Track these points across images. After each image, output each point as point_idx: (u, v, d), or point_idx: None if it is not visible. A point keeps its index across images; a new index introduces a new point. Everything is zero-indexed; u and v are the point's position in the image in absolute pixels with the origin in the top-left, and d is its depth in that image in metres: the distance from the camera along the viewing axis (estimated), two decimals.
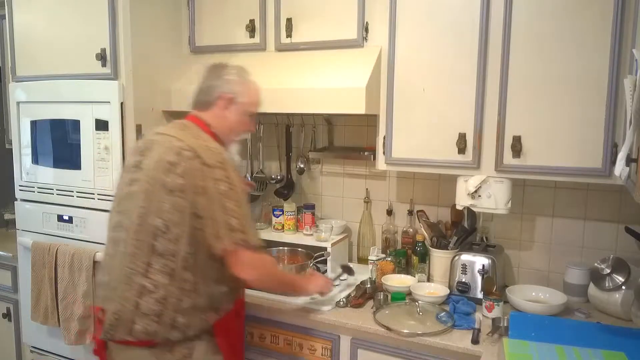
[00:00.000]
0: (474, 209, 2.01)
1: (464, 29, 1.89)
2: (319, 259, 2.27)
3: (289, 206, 2.45)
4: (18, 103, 2.48)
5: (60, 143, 2.37)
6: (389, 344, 1.82)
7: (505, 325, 1.75)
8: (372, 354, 1.86)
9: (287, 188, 2.59)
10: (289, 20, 2.24)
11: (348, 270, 2.14)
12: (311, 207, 2.47)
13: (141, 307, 1.54)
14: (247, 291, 1.87)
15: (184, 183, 1.52)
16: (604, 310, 1.91)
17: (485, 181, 1.92)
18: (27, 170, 2.50)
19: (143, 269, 1.54)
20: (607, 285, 1.84)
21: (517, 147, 1.84)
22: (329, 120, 2.54)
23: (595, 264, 1.89)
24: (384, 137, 2.08)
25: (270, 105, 1.95)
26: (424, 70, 1.97)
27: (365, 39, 2.11)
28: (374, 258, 2.24)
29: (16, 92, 2.48)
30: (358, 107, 1.97)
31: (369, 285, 2.08)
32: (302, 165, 2.59)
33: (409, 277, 2.19)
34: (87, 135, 2.26)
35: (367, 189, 2.51)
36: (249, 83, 1.76)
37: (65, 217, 2.37)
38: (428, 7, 1.95)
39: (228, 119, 1.72)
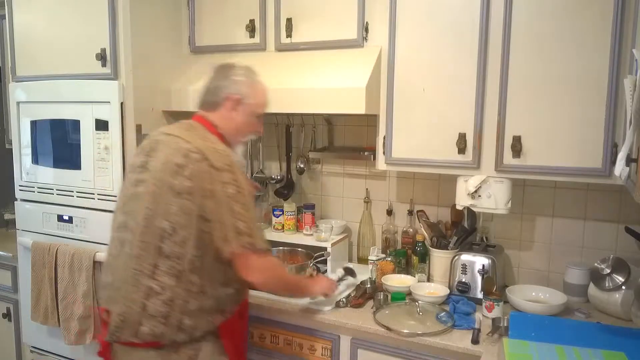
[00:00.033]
0: (474, 209, 2.01)
1: (464, 29, 1.89)
2: (319, 259, 2.26)
3: (289, 206, 2.45)
4: (18, 103, 2.48)
5: (60, 143, 2.37)
6: (389, 344, 1.82)
7: (505, 325, 1.75)
8: (372, 354, 1.86)
9: (287, 188, 2.59)
10: (289, 20, 2.24)
11: (351, 273, 2.14)
12: (311, 207, 2.47)
13: (148, 308, 1.53)
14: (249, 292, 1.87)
15: (191, 186, 1.51)
16: (604, 310, 1.91)
17: (485, 181, 1.92)
18: (27, 170, 2.49)
19: (150, 271, 1.53)
20: (607, 285, 1.84)
21: (517, 147, 1.84)
22: (329, 120, 2.54)
23: (595, 264, 1.89)
24: (384, 137, 2.08)
25: (270, 105, 1.95)
26: (424, 70, 1.97)
27: (365, 39, 2.11)
28: (374, 258, 2.24)
29: (16, 92, 2.48)
30: (358, 107, 1.97)
31: (369, 285, 2.08)
32: (302, 165, 2.59)
33: (409, 277, 2.19)
34: (87, 135, 2.26)
35: (367, 189, 2.51)
36: (257, 84, 1.75)
37: (65, 217, 2.37)
38: (428, 7, 1.95)
39: (235, 120, 1.70)
